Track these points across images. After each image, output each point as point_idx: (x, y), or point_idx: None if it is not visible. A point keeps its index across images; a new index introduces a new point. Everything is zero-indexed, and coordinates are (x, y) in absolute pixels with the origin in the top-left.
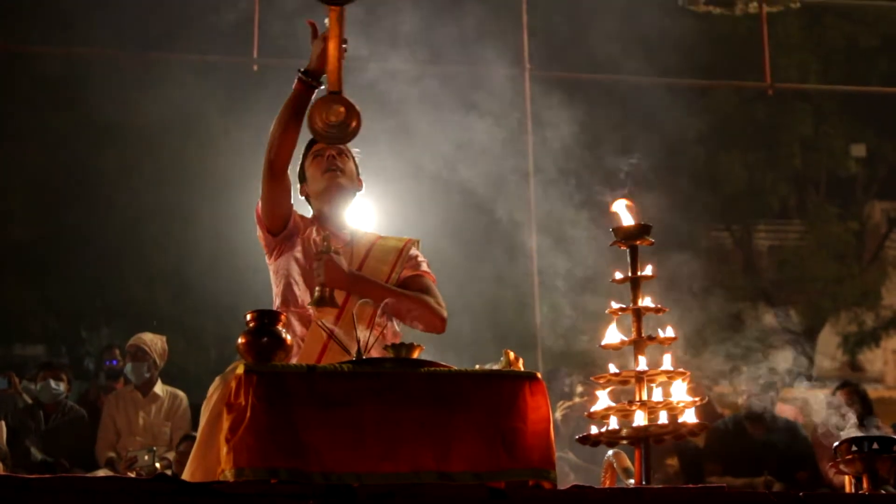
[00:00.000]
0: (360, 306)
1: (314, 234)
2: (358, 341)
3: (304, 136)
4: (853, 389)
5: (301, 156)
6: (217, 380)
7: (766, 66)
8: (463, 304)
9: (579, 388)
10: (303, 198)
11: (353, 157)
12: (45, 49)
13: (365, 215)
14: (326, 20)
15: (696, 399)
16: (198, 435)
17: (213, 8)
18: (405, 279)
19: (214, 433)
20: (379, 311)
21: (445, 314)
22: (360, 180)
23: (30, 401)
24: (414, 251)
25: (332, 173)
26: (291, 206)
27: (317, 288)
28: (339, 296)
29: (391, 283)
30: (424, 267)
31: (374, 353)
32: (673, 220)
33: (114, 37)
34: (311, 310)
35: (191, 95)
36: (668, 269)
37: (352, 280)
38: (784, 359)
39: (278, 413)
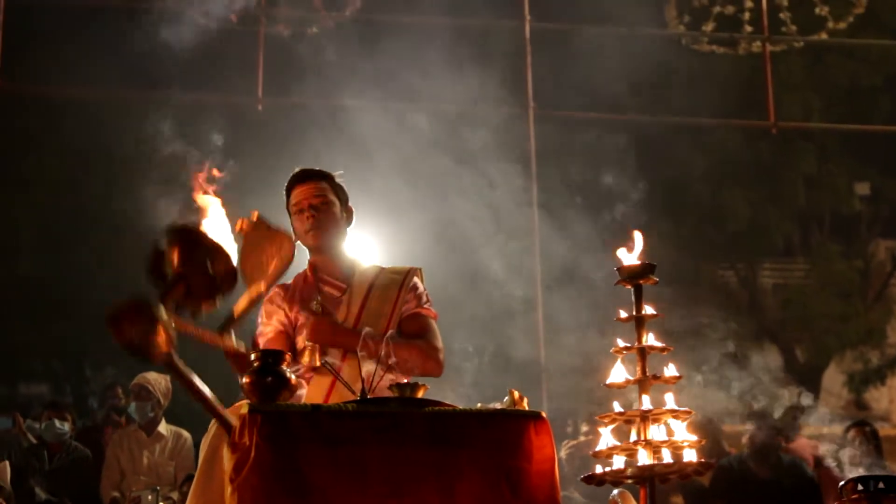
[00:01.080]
0: (364, 336)
1: (294, 310)
2: (362, 381)
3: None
4: (865, 428)
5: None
6: None
7: (770, 104)
8: (466, 342)
9: (584, 427)
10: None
11: (335, 191)
12: (54, 90)
13: (367, 249)
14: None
15: (701, 438)
16: (197, 471)
17: (217, 48)
18: (406, 317)
19: (213, 468)
20: (381, 354)
21: (441, 357)
22: (348, 210)
23: (34, 440)
24: (415, 281)
25: (313, 233)
26: (278, 326)
27: (307, 348)
28: None
29: (395, 317)
30: (424, 301)
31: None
32: (677, 259)
33: (121, 78)
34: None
35: (196, 135)
36: (673, 308)
37: (340, 338)
38: (789, 397)
39: (283, 453)
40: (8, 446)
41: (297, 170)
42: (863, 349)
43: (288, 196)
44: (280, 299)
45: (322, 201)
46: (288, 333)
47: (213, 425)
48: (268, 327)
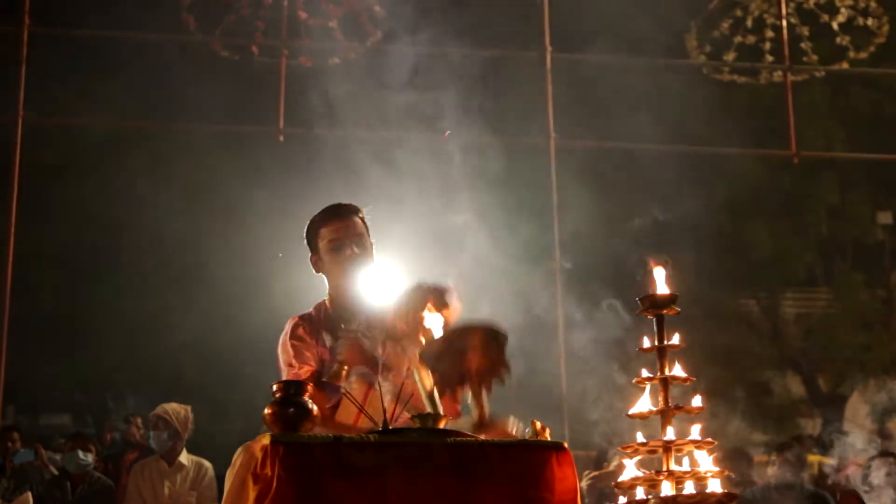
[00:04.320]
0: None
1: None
2: (384, 411)
3: (310, 202)
4: (889, 458)
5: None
6: (240, 448)
7: (792, 134)
8: None
9: (615, 460)
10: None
11: (365, 226)
12: (74, 121)
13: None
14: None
15: (724, 469)
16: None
17: (239, 79)
18: None
19: (239, 502)
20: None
21: (459, 407)
22: (371, 246)
23: (55, 472)
24: None
25: (354, 272)
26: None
27: (336, 365)
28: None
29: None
30: None
31: (404, 416)
32: (700, 289)
33: (141, 109)
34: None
35: (217, 165)
36: (696, 338)
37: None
38: (813, 427)
39: (305, 484)
40: (30, 478)
41: (330, 205)
42: (886, 379)
43: (318, 228)
44: (306, 334)
45: (361, 240)
46: (320, 371)
47: (236, 458)
48: (302, 369)
